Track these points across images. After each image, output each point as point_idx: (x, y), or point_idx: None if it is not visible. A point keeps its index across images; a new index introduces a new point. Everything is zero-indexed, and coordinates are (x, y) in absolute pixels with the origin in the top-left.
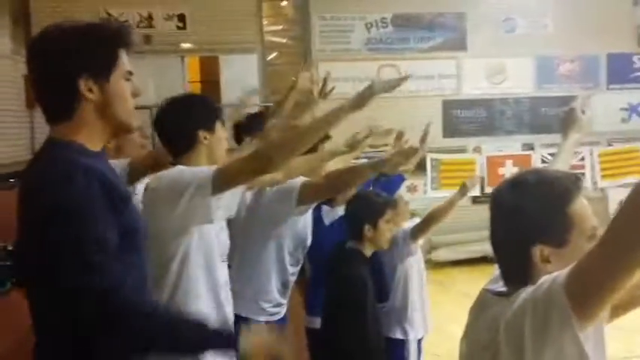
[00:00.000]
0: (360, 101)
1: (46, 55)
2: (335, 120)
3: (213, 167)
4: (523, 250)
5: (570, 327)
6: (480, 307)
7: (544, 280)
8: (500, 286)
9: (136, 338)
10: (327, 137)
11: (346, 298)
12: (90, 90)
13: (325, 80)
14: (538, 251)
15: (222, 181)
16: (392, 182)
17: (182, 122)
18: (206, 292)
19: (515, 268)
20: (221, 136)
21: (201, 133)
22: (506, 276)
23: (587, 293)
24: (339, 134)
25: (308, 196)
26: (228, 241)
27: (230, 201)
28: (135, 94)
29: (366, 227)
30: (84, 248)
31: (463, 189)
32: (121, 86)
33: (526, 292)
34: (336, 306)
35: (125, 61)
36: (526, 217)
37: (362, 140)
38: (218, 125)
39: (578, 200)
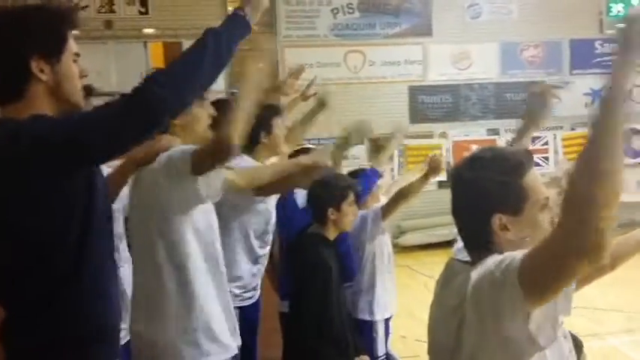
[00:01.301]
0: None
1: None
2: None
3: (191, 148)
4: (483, 220)
5: (520, 311)
6: (448, 275)
7: (504, 257)
8: (466, 256)
9: (171, 96)
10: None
11: (310, 284)
12: (42, 70)
13: (310, 83)
14: (497, 220)
15: (196, 161)
16: (367, 178)
17: None
18: (209, 273)
19: (477, 236)
20: (197, 113)
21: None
22: (469, 245)
23: (538, 280)
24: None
25: (263, 191)
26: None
27: (217, 182)
28: (82, 75)
29: (330, 210)
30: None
31: (430, 170)
32: (70, 66)
33: (487, 265)
34: (301, 291)
35: (72, 42)
36: (484, 189)
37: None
38: (194, 103)
39: (531, 173)
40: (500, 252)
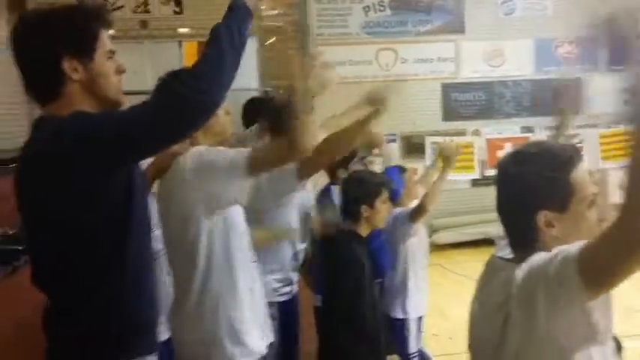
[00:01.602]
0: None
1: (29, 40)
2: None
3: (247, 150)
4: (528, 216)
5: (581, 301)
6: (491, 271)
7: (558, 251)
8: (508, 254)
9: (199, 88)
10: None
11: (343, 280)
12: (75, 70)
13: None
14: (542, 216)
15: (255, 166)
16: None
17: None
18: (240, 269)
19: (522, 233)
20: (217, 114)
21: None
22: (514, 242)
23: (599, 274)
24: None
25: (306, 169)
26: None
27: (248, 186)
28: (120, 71)
29: (363, 207)
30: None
31: (445, 161)
32: (104, 64)
33: (538, 261)
34: (334, 287)
35: (106, 40)
36: (530, 184)
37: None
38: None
39: (579, 168)
40: (545, 250)
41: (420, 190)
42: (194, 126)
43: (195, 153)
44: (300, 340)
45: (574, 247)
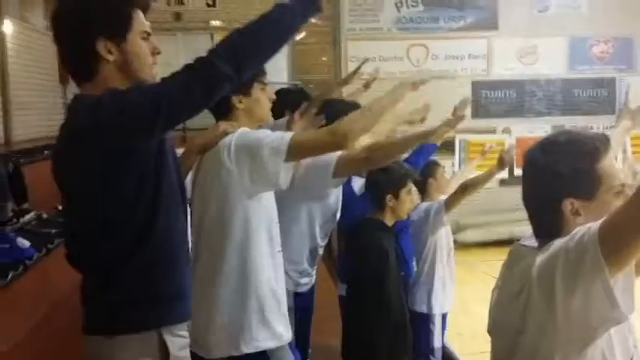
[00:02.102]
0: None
1: (64, 21)
2: (394, 100)
3: (289, 134)
4: (554, 204)
5: (601, 272)
6: (514, 258)
7: (577, 230)
8: (533, 242)
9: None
10: None
11: (368, 268)
12: (109, 51)
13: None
14: (569, 204)
15: (296, 150)
16: (424, 150)
17: None
18: (269, 256)
19: (547, 221)
20: (259, 97)
21: (235, 98)
22: (539, 231)
23: (620, 242)
24: None
25: (344, 169)
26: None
27: (290, 171)
28: (154, 52)
29: (388, 197)
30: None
31: (500, 162)
32: (138, 45)
33: (559, 242)
34: (359, 276)
35: (141, 20)
36: (557, 173)
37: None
38: (255, 87)
39: (606, 158)
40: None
41: (452, 184)
42: (216, 96)
43: (241, 132)
44: (310, 333)
45: (596, 223)
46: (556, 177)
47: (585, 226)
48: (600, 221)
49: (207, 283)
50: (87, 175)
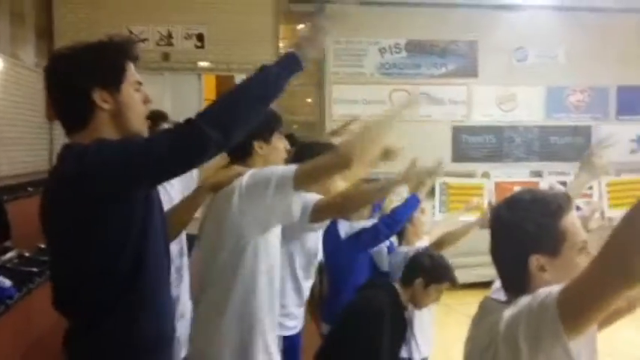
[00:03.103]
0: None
1: (62, 72)
2: (390, 121)
3: (294, 166)
4: (521, 260)
5: (560, 338)
6: (483, 312)
7: (541, 291)
8: (502, 296)
9: (216, 133)
10: None
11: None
12: (104, 100)
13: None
14: (535, 260)
15: (303, 178)
16: (409, 204)
17: None
18: (267, 299)
19: (514, 277)
20: (278, 146)
21: (257, 144)
22: (506, 285)
23: (577, 309)
24: None
25: (321, 214)
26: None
27: (299, 202)
28: (146, 101)
29: (418, 282)
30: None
31: (482, 217)
32: (131, 95)
33: (524, 300)
34: (355, 319)
35: (133, 71)
36: (523, 230)
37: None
38: (275, 136)
39: (570, 215)
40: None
41: (434, 232)
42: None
43: (251, 172)
44: None
45: (557, 287)
46: (521, 233)
47: (547, 289)
48: (560, 287)
49: (210, 317)
50: (72, 222)
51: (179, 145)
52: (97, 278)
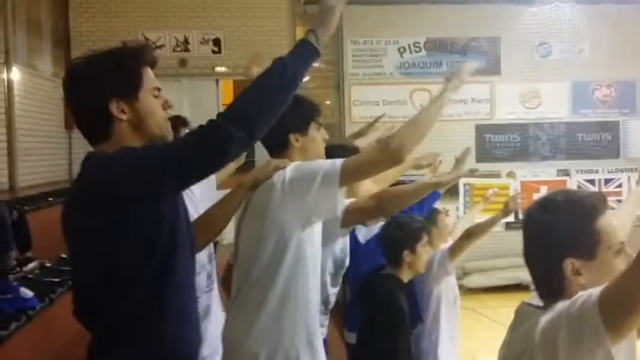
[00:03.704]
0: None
1: (77, 86)
2: (440, 106)
3: (341, 160)
4: (555, 264)
5: (603, 342)
6: (519, 318)
7: (579, 295)
8: (539, 302)
9: (240, 131)
10: None
11: (383, 326)
12: (122, 111)
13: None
14: (569, 264)
15: (350, 173)
16: (428, 198)
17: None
18: (314, 290)
19: (549, 281)
20: (315, 137)
21: (293, 136)
22: (541, 290)
23: (619, 311)
24: None
25: (353, 219)
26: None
27: (342, 197)
28: (166, 107)
29: (405, 253)
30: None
31: (505, 208)
32: (150, 102)
33: (562, 305)
34: (373, 331)
35: (151, 77)
36: (557, 233)
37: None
38: (312, 127)
39: (605, 217)
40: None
41: (457, 230)
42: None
43: (294, 165)
44: None
45: (596, 290)
46: (555, 236)
47: (587, 292)
48: (600, 289)
49: (249, 314)
50: (98, 230)
51: (203, 146)
52: (123, 286)
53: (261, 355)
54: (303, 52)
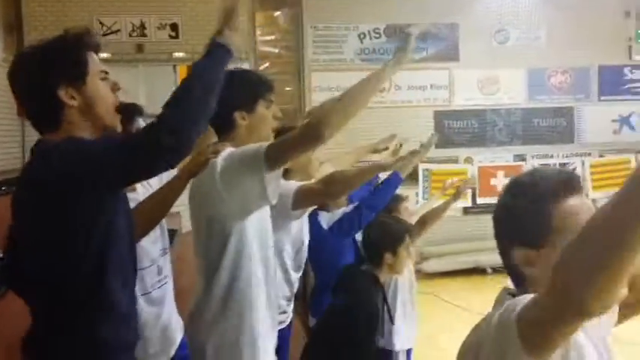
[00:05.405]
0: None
1: (24, 76)
2: (376, 84)
3: (265, 143)
4: (507, 252)
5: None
6: (495, 305)
7: (510, 303)
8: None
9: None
10: None
11: (357, 325)
12: (72, 97)
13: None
14: (520, 253)
15: (274, 156)
16: (391, 183)
17: (218, 103)
18: (263, 280)
19: (510, 270)
20: (264, 115)
21: (238, 114)
22: (511, 277)
23: (537, 336)
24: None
25: (303, 201)
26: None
27: (278, 182)
28: (115, 88)
29: (387, 255)
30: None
31: (457, 193)
32: (98, 85)
33: (504, 307)
34: (347, 329)
35: (96, 61)
36: (507, 218)
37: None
38: (260, 104)
39: (566, 200)
40: (534, 290)
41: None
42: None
43: (225, 155)
44: None
45: (527, 298)
46: (506, 221)
47: (515, 302)
48: (519, 309)
49: (199, 305)
50: (37, 222)
51: (135, 154)
52: (63, 278)
53: (208, 346)
54: (217, 54)
